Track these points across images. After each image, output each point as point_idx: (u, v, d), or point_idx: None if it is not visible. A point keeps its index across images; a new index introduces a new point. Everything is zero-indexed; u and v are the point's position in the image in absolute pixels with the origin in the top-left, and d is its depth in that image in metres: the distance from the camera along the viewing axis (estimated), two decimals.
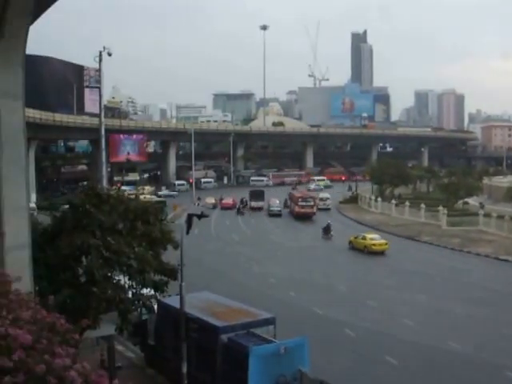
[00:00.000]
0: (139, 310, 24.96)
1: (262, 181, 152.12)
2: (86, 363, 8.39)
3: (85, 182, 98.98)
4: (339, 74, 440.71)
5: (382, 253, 62.24)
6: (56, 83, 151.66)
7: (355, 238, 65.09)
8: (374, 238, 63.97)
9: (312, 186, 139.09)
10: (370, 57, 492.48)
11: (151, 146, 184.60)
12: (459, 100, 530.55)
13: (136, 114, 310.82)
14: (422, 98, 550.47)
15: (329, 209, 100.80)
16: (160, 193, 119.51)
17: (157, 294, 24.45)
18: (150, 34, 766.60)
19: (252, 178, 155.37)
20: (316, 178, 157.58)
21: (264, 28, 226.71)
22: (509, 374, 28.44)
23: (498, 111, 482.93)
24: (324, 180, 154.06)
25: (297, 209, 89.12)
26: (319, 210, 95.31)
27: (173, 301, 26.49)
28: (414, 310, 40.49)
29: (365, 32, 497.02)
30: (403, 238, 73.09)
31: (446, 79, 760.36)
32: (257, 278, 49.75)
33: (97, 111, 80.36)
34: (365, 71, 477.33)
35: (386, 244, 63.31)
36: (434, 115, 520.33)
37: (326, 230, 71.34)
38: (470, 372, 29.45)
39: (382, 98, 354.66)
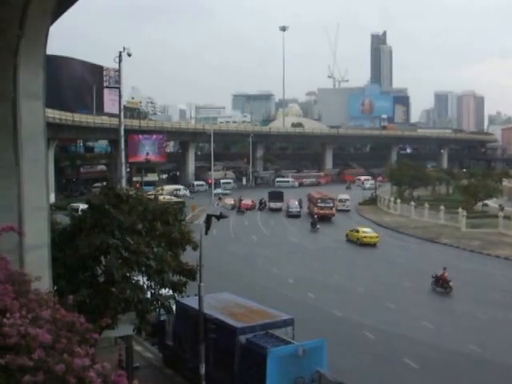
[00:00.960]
0: (157, 310, 24.92)
1: (288, 182, 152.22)
2: (106, 363, 8.40)
3: (104, 182, 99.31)
4: (358, 75, 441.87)
5: (373, 245, 67.88)
6: (75, 83, 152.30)
7: (350, 231, 71.53)
8: (365, 231, 70.31)
9: (367, 185, 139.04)
10: (390, 58, 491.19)
11: (170, 147, 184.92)
12: (479, 102, 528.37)
13: (155, 114, 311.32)
14: (441, 99, 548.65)
15: (348, 210, 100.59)
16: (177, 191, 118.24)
17: (175, 294, 24.44)
18: (168, 37, 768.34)
19: (277, 179, 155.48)
20: (363, 177, 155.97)
21: (283, 29, 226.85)
22: None
23: None
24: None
25: (316, 210, 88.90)
26: (338, 211, 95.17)
27: (191, 301, 26.53)
28: (434, 312, 40.34)
29: (384, 33, 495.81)
30: (423, 240, 72.83)
31: (466, 81, 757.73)
32: (275, 279, 49.68)
33: (116, 111, 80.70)
34: (384, 72, 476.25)
35: (377, 237, 69.32)
36: (454, 117, 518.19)
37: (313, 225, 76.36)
38: (490, 376, 29.27)
39: (402, 99, 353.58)
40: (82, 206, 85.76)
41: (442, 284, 46.38)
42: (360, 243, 68.03)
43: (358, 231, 70.36)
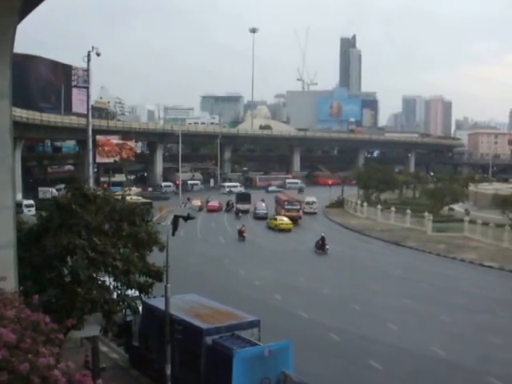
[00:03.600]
0: (124, 311, 24.85)
1: (236, 186, 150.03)
2: (70, 363, 8.38)
3: (62, 186, 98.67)
4: (328, 78, 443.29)
5: (288, 230, 79.57)
6: (43, 83, 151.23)
7: (270, 219, 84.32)
8: (281, 219, 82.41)
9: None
10: (359, 62, 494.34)
11: (138, 147, 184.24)
12: (447, 107, 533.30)
13: (124, 114, 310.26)
14: (409, 104, 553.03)
15: (315, 213, 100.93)
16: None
17: (142, 295, 24.38)
18: (139, 37, 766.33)
19: (225, 185, 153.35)
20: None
21: (253, 31, 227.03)
22: (492, 380, 28.55)
23: (484, 118, 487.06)
24: None
25: (283, 212, 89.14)
26: (305, 213, 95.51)
27: (158, 302, 26.50)
28: (399, 314, 40.59)
29: (354, 37, 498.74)
30: (389, 243, 73.30)
31: (434, 86, 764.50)
32: (242, 281, 49.77)
33: (84, 111, 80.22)
34: (353, 76, 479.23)
35: (291, 224, 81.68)
36: (422, 121, 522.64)
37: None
38: (453, 378, 29.59)
39: (370, 103, 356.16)
40: (26, 202, 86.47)
41: (320, 247, 63.89)
42: (277, 229, 79.41)
43: (275, 219, 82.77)
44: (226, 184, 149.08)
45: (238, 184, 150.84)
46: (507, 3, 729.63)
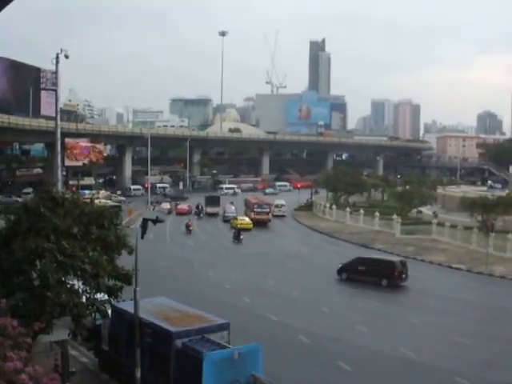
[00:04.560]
0: (93, 314, 24.75)
1: (232, 188, 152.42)
2: (37, 367, 8.36)
3: (30, 189, 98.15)
4: (297, 81, 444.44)
5: (249, 230, 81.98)
6: (11, 85, 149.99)
7: (232, 220, 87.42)
8: (242, 219, 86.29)
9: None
10: (328, 65, 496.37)
11: (107, 150, 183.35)
12: (415, 110, 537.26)
13: (93, 117, 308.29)
14: (378, 107, 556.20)
15: (284, 216, 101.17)
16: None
17: (111, 298, 24.28)
18: (109, 38, 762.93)
19: (225, 186, 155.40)
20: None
21: (223, 34, 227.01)
22: (460, 381, 28.81)
23: (453, 122, 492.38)
24: None
25: (252, 215, 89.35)
26: (274, 216, 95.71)
27: (127, 306, 26.41)
28: (368, 316, 40.79)
29: (323, 40, 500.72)
30: (357, 246, 73.58)
31: (403, 90, 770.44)
32: (211, 284, 49.68)
33: (53, 114, 79.48)
34: (322, 79, 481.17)
35: (251, 224, 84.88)
36: (390, 125, 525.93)
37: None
38: (422, 378, 29.78)
39: (339, 106, 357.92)
40: None
41: (237, 237, 73.42)
42: (238, 228, 80.00)
43: (236, 219, 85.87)
44: (224, 186, 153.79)
45: (234, 186, 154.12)
46: (476, 8, 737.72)
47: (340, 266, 53.61)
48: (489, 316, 42.82)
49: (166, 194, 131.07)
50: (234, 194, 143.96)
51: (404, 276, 50.86)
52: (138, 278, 23.83)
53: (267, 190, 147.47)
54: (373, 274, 50.93)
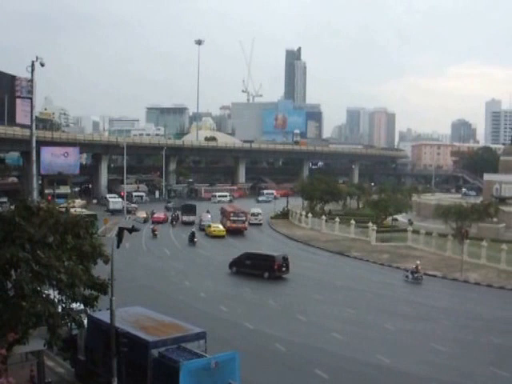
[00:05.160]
0: (69, 324, 24.63)
1: (226, 196, 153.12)
2: (11, 378, 8.35)
3: (14, 195, 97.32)
4: (273, 90, 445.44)
5: (222, 237, 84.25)
6: None
7: (206, 227, 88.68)
8: (216, 227, 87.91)
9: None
10: (304, 74, 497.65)
11: (83, 159, 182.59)
12: (390, 118, 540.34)
13: (68, 126, 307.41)
14: (353, 115, 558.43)
15: (260, 224, 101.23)
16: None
17: (87, 308, 24.20)
18: (84, 47, 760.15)
19: (216, 194, 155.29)
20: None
21: (199, 43, 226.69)
22: None
23: (427, 130, 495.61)
24: None
25: (229, 223, 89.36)
26: (251, 224, 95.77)
27: (103, 315, 26.37)
28: (344, 324, 40.95)
29: (299, 49, 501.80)
30: (333, 254, 73.82)
31: (378, 98, 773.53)
32: (188, 293, 49.61)
33: (28, 122, 79.17)
34: (298, 88, 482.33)
35: (224, 231, 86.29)
36: (366, 133, 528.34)
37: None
38: None
39: (315, 115, 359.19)
40: None
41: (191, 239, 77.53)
42: (211, 236, 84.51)
43: (210, 226, 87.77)
44: (217, 194, 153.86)
45: (227, 194, 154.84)
46: (451, 17, 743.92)
47: (231, 260, 60.50)
48: (464, 322, 43.11)
49: (169, 207, 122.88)
50: (231, 201, 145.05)
51: (284, 269, 57.33)
52: (113, 287, 23.79)
53: (260, 198, 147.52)
54: (257, 268, 57.34)
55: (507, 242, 68.86)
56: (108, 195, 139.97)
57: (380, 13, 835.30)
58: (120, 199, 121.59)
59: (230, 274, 58.82)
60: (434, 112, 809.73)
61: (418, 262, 59.14)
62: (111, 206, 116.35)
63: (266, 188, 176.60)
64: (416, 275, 56.99)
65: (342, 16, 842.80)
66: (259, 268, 57.03)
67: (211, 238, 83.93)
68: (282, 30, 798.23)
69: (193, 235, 79.23)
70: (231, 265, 59.76)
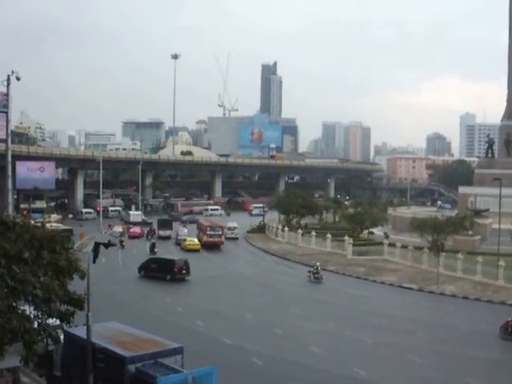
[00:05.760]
0: (45, 340, 24.46)
1: (218, 209, 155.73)
2: None
3: None
4: (249, 104, 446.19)
5: (197, 251, 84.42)
6: None
7: (182, 241, 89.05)
8: (191, 240, 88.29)
9: None
10: (280, 88, 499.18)
11: (59, 174, 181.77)
12: (366, 132, 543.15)
13: (44, 140, 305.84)
14: (329, 129, 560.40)
15: (237, 238, 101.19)
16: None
17: (63, 324, 24.05)
18: (59, 60, 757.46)
19: (209, 208, 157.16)
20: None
21: (175, 57, 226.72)
22: None
23: (403, 144, 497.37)
24: None
25: (205, 238, 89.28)
26: (227, 239, 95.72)
27: (79, 331, 26.23)
28: (321, 337, 41.00)
29: (275, 64, 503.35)
30: (310, 267, 73.85)
31: (354, 112, 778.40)
32: (165, 308, 49.46)
33: (4, 137, 78.66)
34: (274, 102, 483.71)
35: (199, 245, 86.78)
36: (341, 147, 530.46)
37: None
38: None
39: (290, 129, 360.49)
40: None
41: (152, 249, 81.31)
42: (186, 249, 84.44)
43: (185, 240, 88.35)
44: (209, 207, 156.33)
45: (219, 207, 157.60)
46: (424, 33, 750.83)
47: (139, 265, 65.27)
48: (441, 334, 43.25)
49: (169, 218, 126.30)
50: (221, 215, 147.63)
51: (184, 272, 63.00)
52: (90, 302, 23.68)
53: (253, 212, 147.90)
54: (161, 271, 62.63)
55: (483, 254, 69.41)
56: (84, 210, 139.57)
57: (356, 29, 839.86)
58: (140, 212, 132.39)
59: (209, 288, 58.80)
60: (409, 126, 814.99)
61: (318, 264, 66.45)
62: (132, 219, 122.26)
63: (242, 202, 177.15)
64: (316, 275, 63.94)
65: (318, 31, 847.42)
66: (162, 271, 62.62)
67: (186, 252, 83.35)
68: (257, 44, 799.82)
69: (153, 246, 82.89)
70: (140, 269, 64.80)
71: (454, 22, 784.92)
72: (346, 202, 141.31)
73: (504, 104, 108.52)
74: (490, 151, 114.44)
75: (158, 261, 65.35)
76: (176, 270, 62.52)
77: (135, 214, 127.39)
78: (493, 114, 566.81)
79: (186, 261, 64.57)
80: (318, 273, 64.23)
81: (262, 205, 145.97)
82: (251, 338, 40.28)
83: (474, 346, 40.20)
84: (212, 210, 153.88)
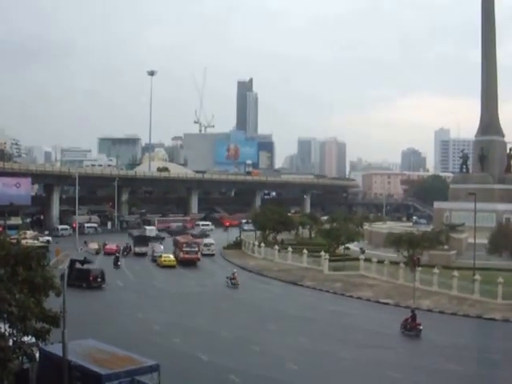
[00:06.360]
0: (20, 358, 24.30)
1: (208, 225, 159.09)
2: None
3: None
4: (225, 121, 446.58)
5: (173, 267, 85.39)
6: None
7: (158, 258, 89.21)
8: (167, 256, 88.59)
9: None
10: (255, 105, 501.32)
11: (35, 190, 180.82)
12: (341, 148, 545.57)
13: (20, 156, 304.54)
14: (304, 145, 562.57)
15: (213, 254, 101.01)
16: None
17: (39, 341, 23.92)
18: (36, 76, 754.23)
19: (201, 223, 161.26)
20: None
21: (151, 74, 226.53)
22: None
23: (378, 159, 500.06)
24: None
25: (182, 254, 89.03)
26: (203, 255, 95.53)
27: (55, 348, 26.04)
28: (299, 353, 40.90)
29: (251, 80, 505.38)
30: (286, 283, 73.91)
31: (329, 129, 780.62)
32: (141, 325, 49.18)
33: None
34: (250, 119, 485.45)
35: (174, 261, 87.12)
36: (317, 163, 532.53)
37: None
38: None
39: (266, 145, 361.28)
40: None
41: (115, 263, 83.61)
42: (162, 266, 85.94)
43: (161, 257, 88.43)
44: (201, 223, 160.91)
45: (209, 223, 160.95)
46: (401, 51, 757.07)
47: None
48: (419, 349, 43.53)
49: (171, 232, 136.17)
50: (212, 230, 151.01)
51: (100, 280, 67.36)
52: (66, 319, 23.56)
53: (245, 227, 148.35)
54: (79, 279, 64.63)
55: (458, 268, 69.77)
56: (60, 226, 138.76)
57: (331, 46, 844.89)
58: (154, 227, 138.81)
59: (181, 305, 58.66)
60: (384, 142, 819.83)
61: (235, 270, 74.32)
62: (148, 234, 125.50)
63: (220, 218, 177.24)
64: (233, 281, 69.75)
65: (294, 48, 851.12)
66: (80, 279, 65.07)
67: (162, 269, 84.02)
68: (234, 60, 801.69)
69: (117, 259, 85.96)
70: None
71: (429, 39, 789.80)
72: (323, 218, 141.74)
73: (478, 119, 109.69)
74: (464, 166, 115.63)
75: (78, 270, 66.28)
76: (92, 278, 66.63)
77: (150, 229, 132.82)
78: (467, 129, 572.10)
79: (102, 271, 69.56)
80: (235, 279, 69.98)
81: (246, 221, 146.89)
82: (228, 354, 40.17)
83: (452, 360, 40.28)
84: (203, 225, 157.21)
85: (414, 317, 48.11)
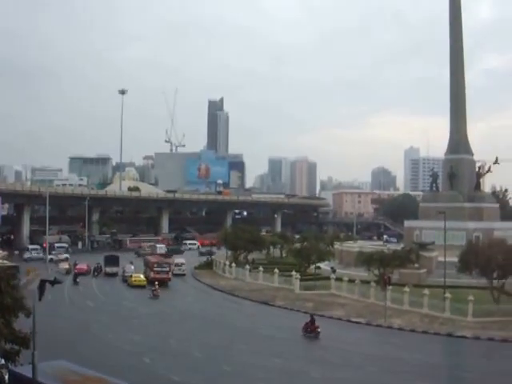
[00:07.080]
0: None
1: (195, 244, 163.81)
2: None
3: None
4: (196, 140, 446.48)
5: (143, 287, 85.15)
6: None
7: (128, 277, 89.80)
8: (137, 276, 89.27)
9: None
10: (226, 124, 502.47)
11: (5, 209, 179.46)
12: (311, 167, 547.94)
13: None
14: (275, 165, 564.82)
15: (184, 274, 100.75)
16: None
17: (8, 363, 23.75)
18: (6, 95, 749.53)
19: (188, 242, 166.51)
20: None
21: (122, 92, 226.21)
22: None
23: (348, 178, 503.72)
24: None
25: (152, 274, 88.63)
26: (174, 275, 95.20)
27: (25, 370, 25.82)
28: (270, 373, 40.87)
29: (221, 100, 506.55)
30: (258, 303, 73.84)
31: (299, 148, 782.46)
32: (111, 345, 48.89)
33: None
34: (221, 138, 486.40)
35: (145, 281, 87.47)
36: (288, 182, 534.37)
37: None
38: None
39: (237, 164, 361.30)
40: None
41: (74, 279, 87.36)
42: (132, 285, 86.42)
43: (131, 277, 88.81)
44: (188, 242, 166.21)
45: (195, 242, 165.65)
46: (372, 72, 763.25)
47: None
48: (390, 368, 43.50)
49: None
50: (198, 248, 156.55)
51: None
52: (36, 341, 23.41)
53: (203, 250, 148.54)
54: None
55: (429, 286, 70.19)
56: (30, 246, 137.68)
57: (304, 67, 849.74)
58: (163, 245, 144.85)
59: (156, 325, 58.47)
60: (354, 160, 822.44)
61: (157, 283, 79.40)
62: (158, 251, 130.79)
63: (192, 238, 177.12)
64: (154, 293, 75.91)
65: (264, 68, 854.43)
66: None
67: (133, 288, 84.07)
68: (204, 79, 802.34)
69: (76, 276, 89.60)
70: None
71: (401, 58, 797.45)
72: (295, 236, 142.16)
73: (447, 138, 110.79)
74: (434, 185, 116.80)
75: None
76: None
77: (160, 247, 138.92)
78: (436, 148, 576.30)
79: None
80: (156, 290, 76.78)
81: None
82: (200, 374, 40.05)
83: (424, 378, 40.42)
84: (190, 244, 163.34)
85: (312, 321, 54.23)
